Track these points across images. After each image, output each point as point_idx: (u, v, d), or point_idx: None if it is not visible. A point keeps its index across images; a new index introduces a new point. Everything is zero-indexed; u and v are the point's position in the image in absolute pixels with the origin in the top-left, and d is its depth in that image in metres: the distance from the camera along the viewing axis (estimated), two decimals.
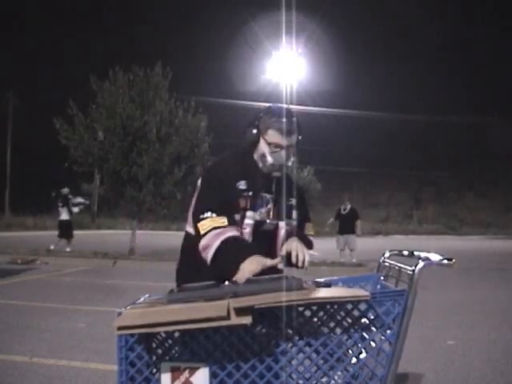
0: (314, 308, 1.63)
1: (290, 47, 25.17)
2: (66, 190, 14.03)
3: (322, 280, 1.88)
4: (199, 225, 1.99)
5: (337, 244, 12.61)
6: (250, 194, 2.09)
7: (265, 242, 2.13)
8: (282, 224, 2.17)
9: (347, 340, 1.61)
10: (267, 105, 2.20)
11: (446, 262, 1.66)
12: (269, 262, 1.90)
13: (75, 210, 13.70)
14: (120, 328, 1.47)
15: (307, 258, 1.97)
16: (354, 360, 1.62)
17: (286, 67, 25.34)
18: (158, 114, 12.75)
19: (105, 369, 3.72)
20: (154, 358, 1.58)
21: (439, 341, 4.73)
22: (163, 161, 12.54)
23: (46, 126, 14.94)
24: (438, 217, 40.64)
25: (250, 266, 1.85)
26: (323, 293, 1.65)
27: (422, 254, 1.74)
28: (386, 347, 1.61)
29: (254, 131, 2.12)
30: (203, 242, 1.96)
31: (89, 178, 13.56)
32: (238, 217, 2.07)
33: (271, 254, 2.07)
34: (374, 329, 1.62)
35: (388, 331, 1.60)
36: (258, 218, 2.11)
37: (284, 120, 2.07)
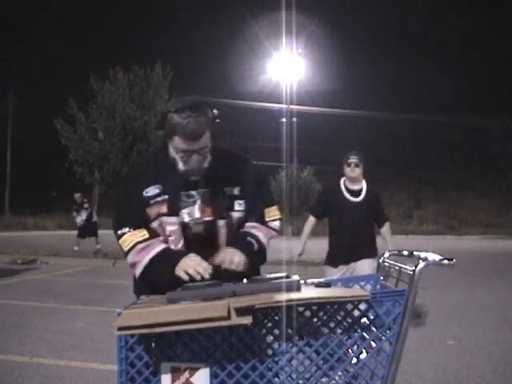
0: (314, 308, 1.63)
1: (290, 47, 25.25)
2: (77, 196, 13.76)
3: (322, 280, 1.89)
4: (120, 242, 1.91)
5: None
6: (166, 197, 1.89)
7: (202, 244, 1.90)
8: (222, 222, 1.93)
9: (347, 340, 1.61)
10: (173, 100, 1.94)
11: (446, 261, 1.66)
12: (204, 263, 1.80)
13: (82, 215, 13.63)
14: (120, 328, 1.47)
15: (237, 260, 1.82)
16: (354, 360, 1.62)
17: (286, 67, 25.39)
18: (159, 114, 12.75)
19: (105, 369, 3.73)
20: (154, 358, 1.58)
21: (439, 341, 4.73)
22: None
23: (46, 126, 14.94)
24: (437, 217, 40.55)
25: (188, 261, 1.78)
26: (323, 293, 1.65)
27: (422, 254, 1.74)
28: (386, 347, 1.61)
29: (160, 133, 1.88)
30: (130, 259, 1.90)
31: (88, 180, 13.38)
32: (155, 224, 1.91)
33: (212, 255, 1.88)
34: (374, 329, 1.62)
35: (388, 331, 1.60)
36: (186, 220, 1.90)
37: (190, 120, 1.78)
